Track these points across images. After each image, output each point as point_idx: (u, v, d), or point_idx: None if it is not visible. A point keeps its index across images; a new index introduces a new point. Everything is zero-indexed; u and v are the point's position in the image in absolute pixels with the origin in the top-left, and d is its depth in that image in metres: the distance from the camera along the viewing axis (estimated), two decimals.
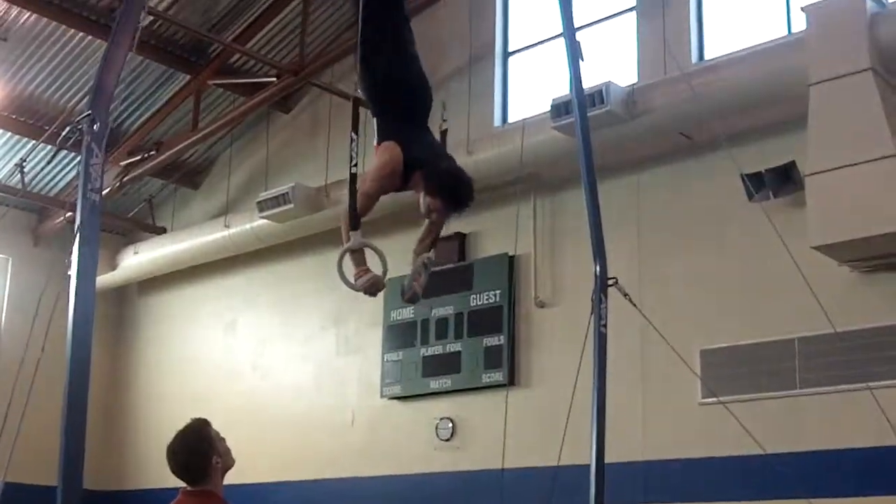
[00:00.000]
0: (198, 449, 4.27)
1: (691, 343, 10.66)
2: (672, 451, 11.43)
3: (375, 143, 5.64)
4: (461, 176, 5.62)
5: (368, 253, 5.44)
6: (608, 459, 7.05)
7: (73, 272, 3.81)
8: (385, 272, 5.18)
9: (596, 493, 6.83)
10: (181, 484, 4.34)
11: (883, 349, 10.10)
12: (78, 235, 3.84)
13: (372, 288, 5.24)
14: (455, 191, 5.57)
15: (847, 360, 9.87)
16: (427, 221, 6.06)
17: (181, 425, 4.38)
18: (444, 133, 6.21)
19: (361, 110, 5.81)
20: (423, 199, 5.60)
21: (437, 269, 13.33)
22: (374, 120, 5.57)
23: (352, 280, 5.26)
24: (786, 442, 10.16)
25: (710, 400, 10.44)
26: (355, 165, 5.41)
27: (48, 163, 16.05)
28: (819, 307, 8.06)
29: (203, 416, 4.46)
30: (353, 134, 5.45)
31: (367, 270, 5.22)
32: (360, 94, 5.56)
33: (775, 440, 9.59)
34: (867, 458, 10.00)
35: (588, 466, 6.98)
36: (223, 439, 4.36)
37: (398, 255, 6.26)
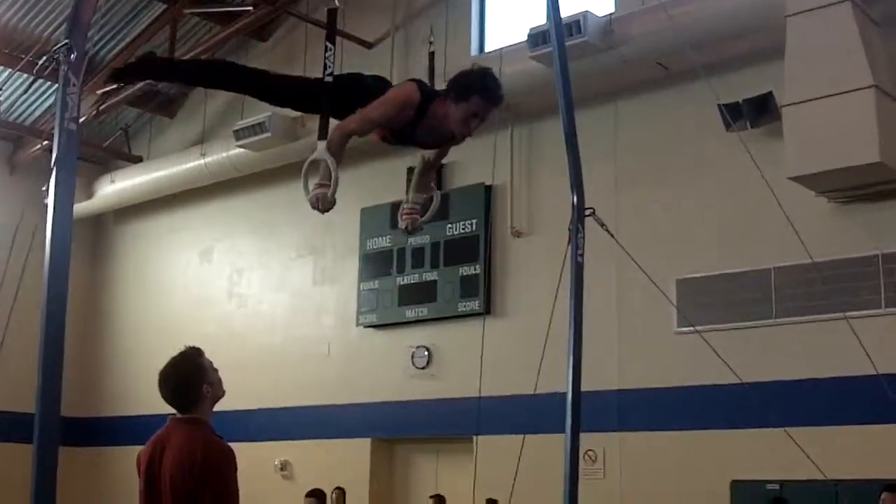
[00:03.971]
0: (189, 377, 4.27)
1: (668, 273, 10.72)
2: (648, 381, 11.54)
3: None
4: (482, 69, 5.38)
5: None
6: (584, 388, 7.07)
7: (50, 202, 3.78)
8: (334, 188, 4.96)
9: (572, 422, 6.86)
10: (160, 410, 4.35)
11: (859, 279, 10.18)
12: (55, 164, 3.80)
13: (319, 203, 4.97)
14: (487, 81, 5.31)
15: (824, 290, 9.95)
16: (421, 159, 5.93)
17: (157, 352, 4.39)
18: (431, 55, 6.07)
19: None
20: (457, 117, 5.23)
21: None
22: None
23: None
24: (762, 371, 10.26)
25: (686, 329, 10.52)
26: (330, 74, 5.30)
27: (24, 92, 15.94)
28: (796, 237, 8.08)
29: (178, 343, 4.46)
30: (328, 43, 5.34)
31: (326, 185, 4.99)
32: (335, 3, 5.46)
33: (752, 370, 9.66)
34: (844, 388, 10.11)
35: (564, 395, 7.02)
36: (216, 370, 4.36)
37: (373, 183, 6.25)
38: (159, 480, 4.10)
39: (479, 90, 5.12)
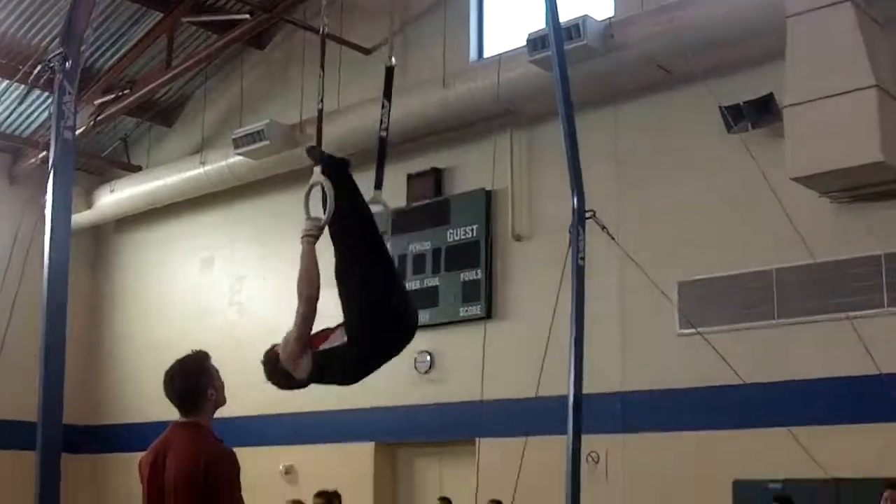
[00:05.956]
0: (195, 377, 4.26)
1: (670, 275, 10.70)
2: (650, 383, 11.52)
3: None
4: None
5: None
6: (586, 391, 7.09)
7: (48, 208, 3.79)
8: (329, 215, 4.98)
9: (574, 424, 6.87)
10: (162, 418, 4.34)
11: (862, 279, 10.15)
12: (52, 173, 3.80)
13: (310, 231, 4.93)
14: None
15: (826, 291, 9.93)
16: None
17: (159, 361, 4.38)
18: (390, 70, 5.91)
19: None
20: None
21: (415, 204, 13.45)
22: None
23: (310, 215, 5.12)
24: (765, 372, 10.24)
25: (688, 331, 10.49)
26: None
27: (20, 102, 15.92)
28: (798, 238, 8.10)
29: (180, 351, 4.44)
30: (321, 70, 5.42)
31: (314, 219, 5.01)
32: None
33: (754, 371, 9.67)
34: (846, 387, 10.09)
35: (566, 397, 7.02)
36: (220, 377, 4.36)
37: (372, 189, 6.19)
38: (163, 485, 4.08)
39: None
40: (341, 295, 5.03)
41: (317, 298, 4.87)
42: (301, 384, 5.09)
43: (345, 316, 5.04)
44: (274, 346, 5.08)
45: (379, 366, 5.12)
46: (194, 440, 4.11)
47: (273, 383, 5.10)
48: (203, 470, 3.98)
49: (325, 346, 4.97)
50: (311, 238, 4.87)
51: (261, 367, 5.16)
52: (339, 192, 4.95)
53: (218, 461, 4.03)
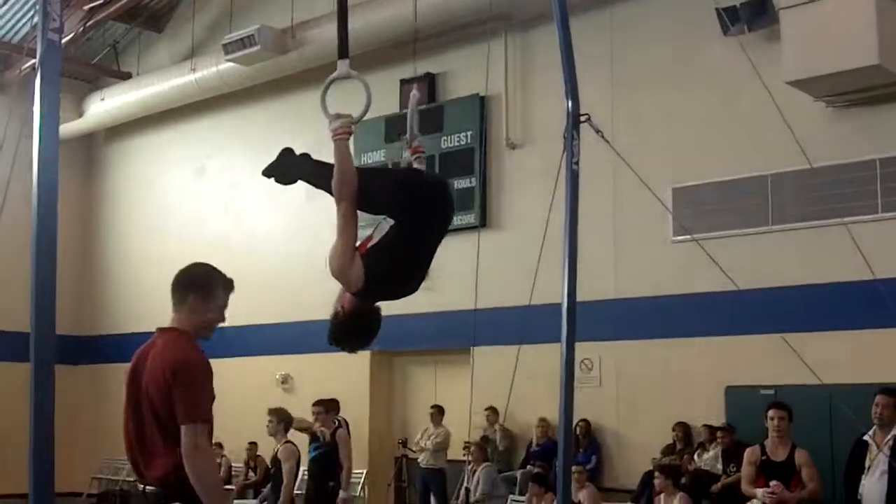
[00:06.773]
0: (196, 276, 4.26)
1: (664, 180, 10.65)
2: (644, 289, 11.54)
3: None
4: None
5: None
6: (580, 298, 7.06)
7: (35, 112, 3.73)
8: (367, 108, 4.94)
9: (567, 332, 6.85)
10: (155, 328, 4.32)
11: (858, 184, 10.13)
12: (39, 75, 3.73)
13: (347, 129, 4.86)
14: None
15: (821, 196, 9.92)
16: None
17: (152, 270, 4.35)
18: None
19: None
20: None
21: (408, 110, 13.29)
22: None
23: (332, 113, 4.98)
24: (759, 278, 10.24)
25: (682, 237, 10.49)
26: None
27: (4, 3, 15.66)
28: (794, 143, 8.02)
29: (173, 260, 4.41)
30: None
31: (343, 116, 4.90)
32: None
33: (748, 276, 9.65)
34: (841, 293, 10.12)
35: (560, 305, 7.01)
36: (224, 312, 4.31)
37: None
38: (140, 387, 4.09)
39: None
40: (367, 204, 4.95)
41: (356, 194, 4.75)
42: (367, 322, 5.03)
43: (382, 206, 4.96)
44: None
45: (429, 252, 4.97)
46: (171, 346, 4.11)
47: (345, 344, 5.03)
48: (172, 375, 3.98)
49: (370, 245, 4.84)
50: (346, 135, 4.76)
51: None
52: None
53: (186, 367, 4.02)
